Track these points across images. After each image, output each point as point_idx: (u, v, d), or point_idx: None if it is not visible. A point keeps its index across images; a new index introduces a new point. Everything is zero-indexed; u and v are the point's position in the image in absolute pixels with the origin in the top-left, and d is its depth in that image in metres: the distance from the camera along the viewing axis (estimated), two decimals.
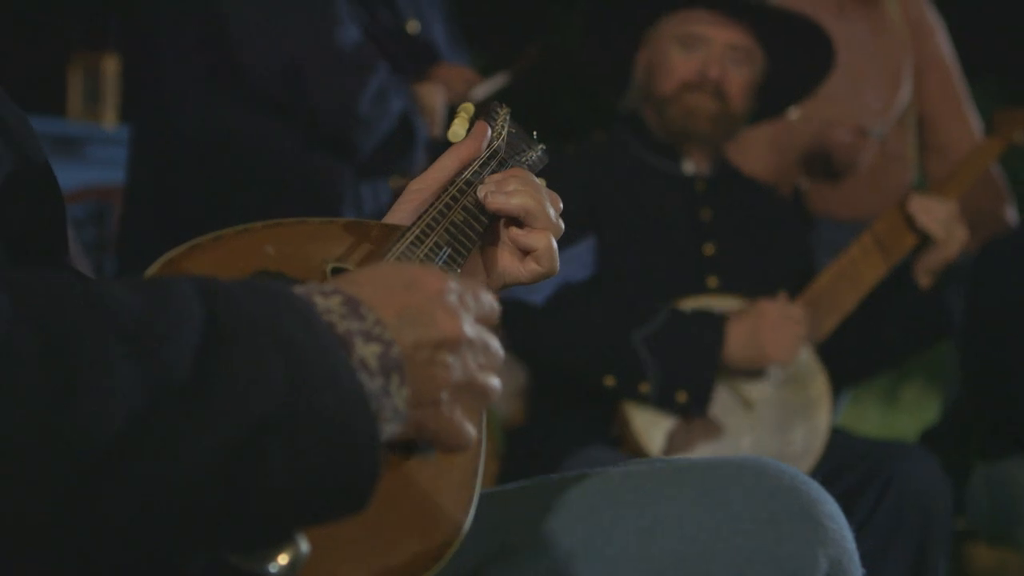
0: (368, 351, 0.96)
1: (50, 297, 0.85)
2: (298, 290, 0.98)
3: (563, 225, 1.37)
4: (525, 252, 1.37)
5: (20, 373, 0.80)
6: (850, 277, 2.86)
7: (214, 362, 0.87)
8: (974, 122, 3.91)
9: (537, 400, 2.96)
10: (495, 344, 1.05)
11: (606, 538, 1.24)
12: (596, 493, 1.27)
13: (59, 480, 0.81)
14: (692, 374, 2.70)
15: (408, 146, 3.11)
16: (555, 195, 1.39)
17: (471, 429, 1.04)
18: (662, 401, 2.70)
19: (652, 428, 2.71)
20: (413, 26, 3.41)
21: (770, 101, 3.05)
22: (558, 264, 1.38)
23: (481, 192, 1.35)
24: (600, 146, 3.06)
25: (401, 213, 1.35)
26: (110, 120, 5.61)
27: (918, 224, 2.84)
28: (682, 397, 2.69)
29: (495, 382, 1.05)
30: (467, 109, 1.47)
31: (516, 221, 1.36)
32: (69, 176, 5.19)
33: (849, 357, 2.92)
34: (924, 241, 2.86)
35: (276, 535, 0.92)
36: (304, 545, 0.93)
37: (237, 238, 1.15)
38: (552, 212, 1.36)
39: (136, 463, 0.83)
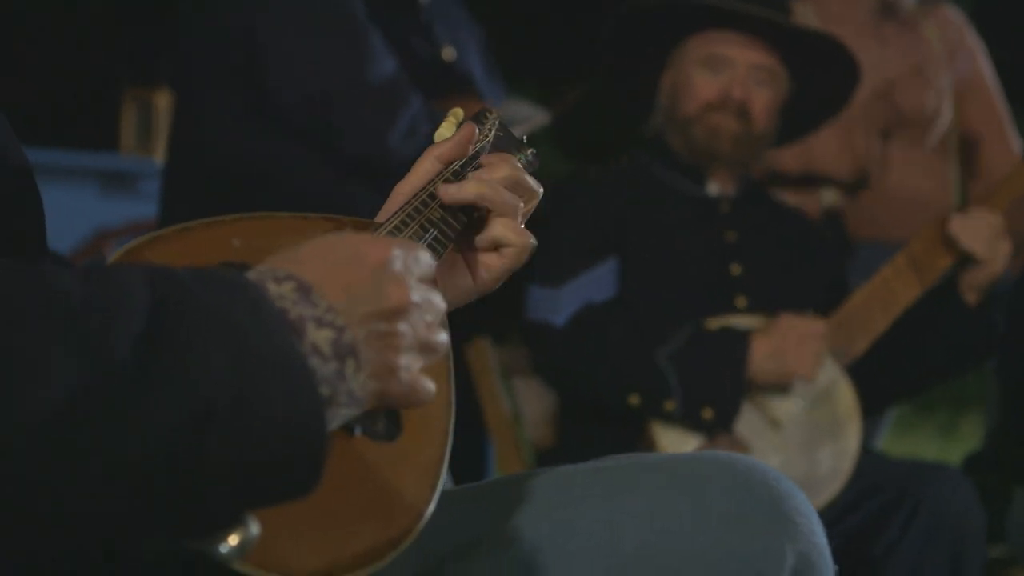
0: (320, 336, 0.96)
1: None
2: (252, 275, 0.98)
3: (520, 206, 1.34)
4: (494, 248, 1.35)
5: None
6: (883, 298, 2.83)
7: (159, 344, 0.87)
8: (1016, 144, 3.87)
9: (566, 422, 2.95)
10: (438, 299, 1.07)
11: (572, 531, 1.23)
12: (564, 487, 1.27)
13: None
14: (717, 390, 2.69)
15: None
16: (535, 189, 1.37)
17: (429, 384, 1.05)
18: (688, 418, 2.68)
19: (679, 447, 2.69)
20: (448, 53, 3.43)
21: (797, 121, 3.03)
22: (532, 238, 1.35)
23: (437, 186, 1.34)
24: (624, 169, 3.06)
25: (391, 208, 1.35)
26: (162, 155, 5.66)
27: (961, 246, 2.79)
28: (708, 414, 2.68)
29: (443, 337, 1.07)
30: (456, 114, 1.47)
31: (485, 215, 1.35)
32: (122, 210, 5.25)
33: (896, 373, 2.89)
34: (964, 260, 2.82)
35: (224, 516, 0.93)
36: (254, 527, 0.93)
37: (204, 230, 1.15)
38: (508, 197, 1.33)
39: (77, 443, 0.84)
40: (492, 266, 1.36)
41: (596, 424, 2.83)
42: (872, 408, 2.96)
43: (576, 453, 2.77)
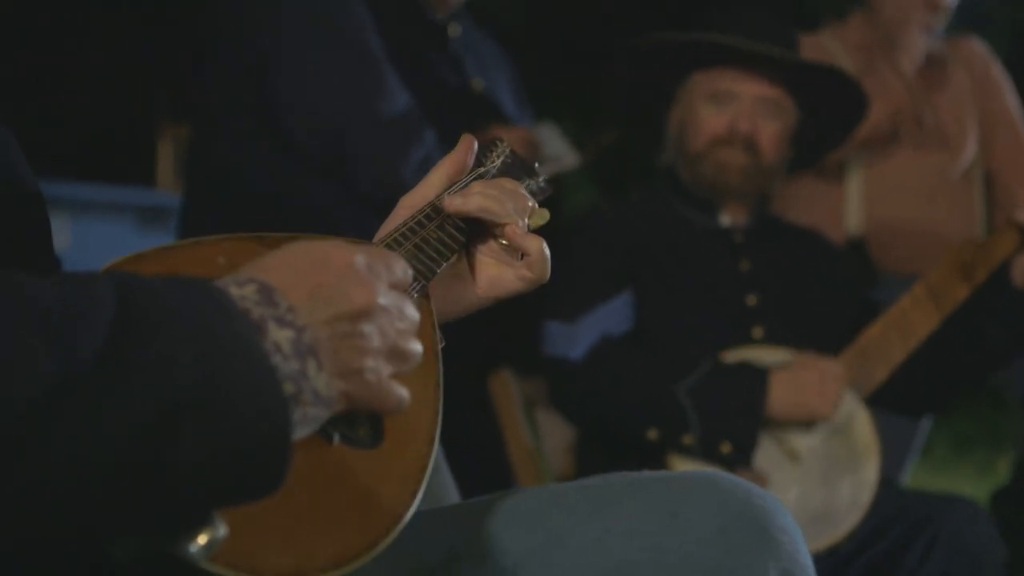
0: (281, 336, 0.99)
1: None
2: (216, 282, 1.01)
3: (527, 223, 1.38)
4: (520, 256, 1.39)
5: None
6: (901, 328, 2.83)
7: (125, 344, 0.90)
8: None
9: (585, 455, 2.96)
10: (410, 309, 1.09)
11: (556, 546, 1.24)
12: (549, 504, 1.28)
13: None
14: (735, 424, 2.69)
15: None
16: (541, 211, 1.41)
17: (401, 390, 1.07)
18: (706, 452, 2.69)
19: None
20: (478, 84, 3.46)
21: (807, 149, 3.04)
22: (549, 271, 1.38)
23: (443, 198, 1.37)
24: (637, 203, 3.08)
25: (393, 224, 1.38)
26: None
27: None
28: (726, 448, 2.68)
29: (415, 345, 1.09)
30: (466, 139, 1.49)
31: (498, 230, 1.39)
32: (158, 244, 5.27)
33: (952, 361, 2.87)
34: (979, 288, 2.81)
35: (192, 514, 0.95)
36: (222, 528, 0.96)
37: (188, 249, 1.17)
38: (512, 209, 1.37)
39: (45, 440, 0.86)
40: (505, 285, 1.39)
41: (615, 457, 2.83)
42: (932, 403, 2.99)
43: None
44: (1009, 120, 3.88)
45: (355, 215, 3.09)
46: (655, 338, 2.83)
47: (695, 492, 1.24)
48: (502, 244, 1.40)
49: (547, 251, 1.39)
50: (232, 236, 1.20)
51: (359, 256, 1.05)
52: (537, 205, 1.43)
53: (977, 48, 3.93)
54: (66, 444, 0.86)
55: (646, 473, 1.29)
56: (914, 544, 2.61)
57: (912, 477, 4.19)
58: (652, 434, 2.72)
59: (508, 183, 1.41)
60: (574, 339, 2.79)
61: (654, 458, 2.74)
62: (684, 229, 2.98)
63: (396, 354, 1.07)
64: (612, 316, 2.82)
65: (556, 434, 3.05)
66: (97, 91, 6.85)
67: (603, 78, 3.10)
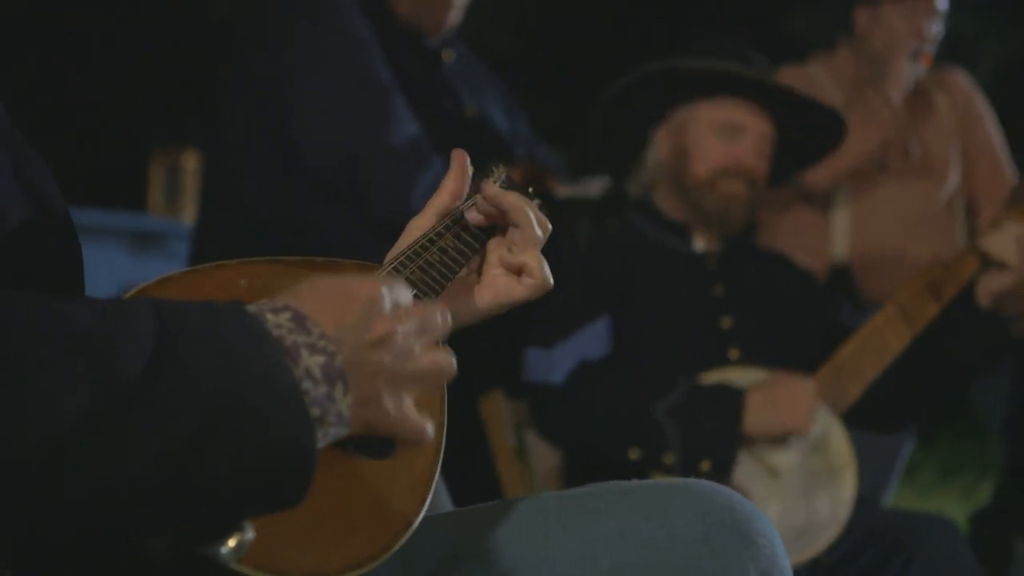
0: (313, 361, 1.06)
1: (8, 305, 0.95)
2: (251, 308, 1.08)
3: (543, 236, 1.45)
4: (518, 272, 1.45)
5: None
6: (874, 346, 2.88)
7: (161, 366, 0.97)
8: None
9: (570, 476, 3.01)
10: (432, 320, 1.16)
11: (549, 552, 1.31)
12: (544, 511, 1.35)
13: (15, 471, 0.91)
14: (714, 443, 2.75)
15: None
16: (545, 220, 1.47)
17: (420, 421, 1.14)
18: (686, 470, 2.74)
19: None
20: (472, 111, 3.51)
21: (778, 168, 3.13)
22: (551, 279, 1.45)
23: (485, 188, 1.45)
24: (612, 231, 3.15)
25: (401, 246, 1.45)
26: (190, 215, 5.74)
27: (992, 255, 2.84)
28: (705, 466, 2.74)
29: (440, 357, 1.16)
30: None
31: (503, 245, 1.46)
32: (150, 269, 5.30)
33: (922, 378, 2.93)
34: (988, 264, 2.85)
35: (221, 524, 1.02)
36: (250, 531, 1.04)
37: (211, 272, 1.25)
38: (536, 221, 1.45)
39: (87, 457, 0.93)
40: (511, 292, 1.45)
41: (601, 477, 2.87)
42: (903, 421, 3.07)
43: None
44: (990, 150, 3.94)
45: (364, 240, 3.15)
46: (633, 362, 2.89)
47: (679, 499, 1.31)
48: (507, 254, 1.47)
49: (543, 261, 1.45)
50: (251, 260, 1.28)
51: (380, 290, 1.12)
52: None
53: (961, 79, 3.99)
54: (104, 462, 0.94)
55: (635, 481, 1.36)
56: (891, 562, 2.67)
57: (896, 500, 4.24)
58: (634, 454, 2.78)
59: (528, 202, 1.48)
60: (554, 365, 2.84)
61: (638, 478, 2.78)
62: (659, 255, 3.03)
63: (419, 373, 1.14)
64: (590, 341, 2.87)
65: (546, 455, 3.10)
66: (89, 115, 6.88)
67: (594, 103, 3.13)
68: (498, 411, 3.16)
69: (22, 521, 0.93)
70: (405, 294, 1.16)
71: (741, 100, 2.99)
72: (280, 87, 3.14)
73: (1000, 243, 2.82)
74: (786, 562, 1.32)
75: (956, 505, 7.53)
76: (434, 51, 3.51)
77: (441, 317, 1.17)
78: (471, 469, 3.11)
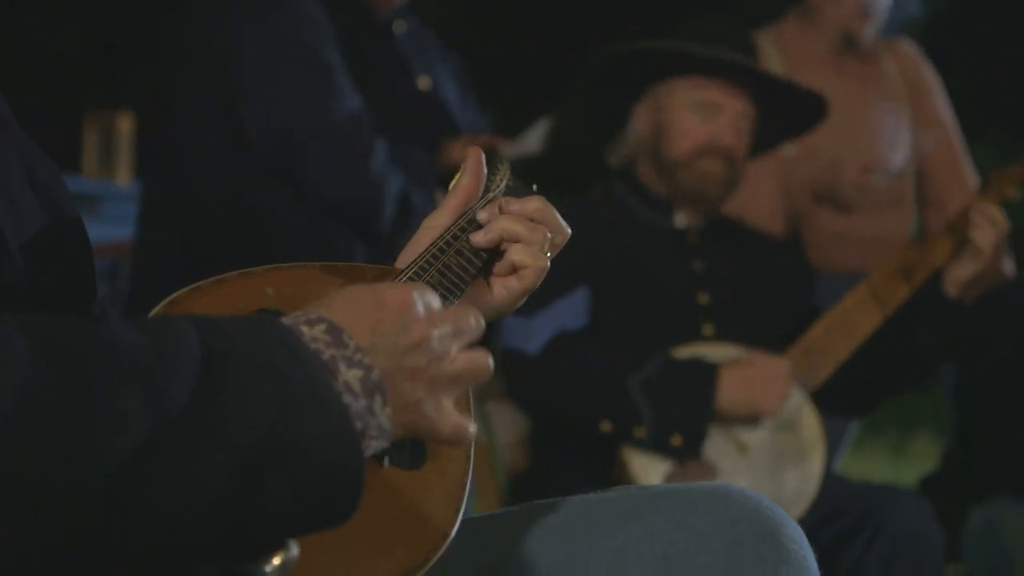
0: (351, 375, 1.06)
1: (65, 339, 0.95)
2: (286, 320, 1.08)
3: (547, 235, 1.46)
4: (513, 270, 1.45)
5: (40, 411, 0.90)
6: (845, 327, 2.92)
7: (211, 395, 0.97)
8: (971, 178, 3.97)
9: (538, 447, 3.03)
10: (466, 322, 1.16)
11: (583, 558, 1.32)
12: (575, 516, 1.36)
13: (75, 502, 0.91)
14: (686, 418, 2.78)
15: (404, 225, 3.15)
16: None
17: (459, 420, 1.14)
18: (657, 444, 2.77)
19: (649, 471, 2.77)
20: (424, 83, 3.49)
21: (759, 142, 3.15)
22: (540, 277, 1.45)
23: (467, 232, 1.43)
24: (595, 202, 3.16)
25: (415, 247, 1.45)
26: (124, 177, 5.68)
27: (970, 239, 2.84)
28: (677, 440, 2.76)
29: (476, 356, 1.16)
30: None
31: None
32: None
33: (884, 365, 2.96)
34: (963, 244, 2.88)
35: (271, 544, 1.02)
36: (295, 549, 1.03)
37: (238, 280, 1.26)
38: (531, 229, 1.44)
39: (145, 488, 0.93)
40: (512, 288, 1.45)
41: (569, 449, 2.90)
42: (859, 407, 3.18)
43: (549, 478, 2.88)
44: (939, 122, 3.99)
45: (307, 220, 3.12)
46: (610, 334, 2.91)
47: (710, 504, 1.32)
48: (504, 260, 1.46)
49: (546, 264, 1.45)
50: (278, 266, 1.29)
51: (412, 295, 1.12)
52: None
53: (909, 49, 4.03)
54: (161, 492, 0.94)
55: (663, 485, 1.38)
56: (858, 536, 2.71)
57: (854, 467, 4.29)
58: (605, 426, 2.79)
59: (539, 199, 1.47)
60: (531, 333, 2.85)
61: (608, 450, 2.82)
62: (640, 228, 3.05)
63: (456, 375, 1.14)
64: (568, 312, 2.88)
65: (508, 428, 3.11)
66: (22, 77, 6.78)
67: (571, 75, 3.12)
68: None
69: (80, 552, 0.93)
70: (435, 298, 1.16)
71: (719, 79, 3.00)
72: (224, 60, 3.11)
73: (975, 227, 2.85)
74: (815, 566, 1.34)
75: (884, 463, 7.67)
76: (385, 22, 3.48)
77: (475, 319, 1.17)
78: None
